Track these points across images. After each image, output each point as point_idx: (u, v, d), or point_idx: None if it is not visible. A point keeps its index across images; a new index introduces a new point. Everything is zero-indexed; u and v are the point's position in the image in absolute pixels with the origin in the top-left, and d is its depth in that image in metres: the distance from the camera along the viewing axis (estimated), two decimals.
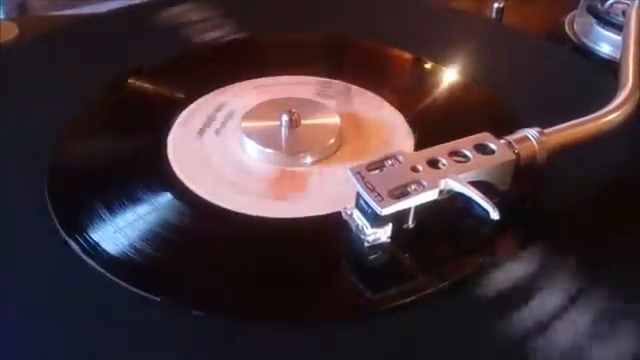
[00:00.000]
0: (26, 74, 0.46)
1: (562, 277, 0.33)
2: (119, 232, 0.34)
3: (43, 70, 0.46)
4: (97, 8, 0.60)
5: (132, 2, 0.57)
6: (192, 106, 0.43)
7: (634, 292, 0.32)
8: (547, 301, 0.31)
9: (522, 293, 0.32)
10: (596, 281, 0.32)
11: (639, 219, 0.36)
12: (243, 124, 0.40)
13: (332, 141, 0.39)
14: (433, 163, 0.33)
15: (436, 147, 0.34)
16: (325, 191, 0.37)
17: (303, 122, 0.40)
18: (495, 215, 0.31)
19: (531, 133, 0.35)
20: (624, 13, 0.51)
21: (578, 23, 0.57)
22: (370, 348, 0.29)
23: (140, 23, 0.53)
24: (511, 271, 0.33)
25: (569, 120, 0.36)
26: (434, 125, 0.42)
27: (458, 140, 0.34)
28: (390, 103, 0.44)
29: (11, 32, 0.53)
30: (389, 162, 0.33)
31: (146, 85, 0.46)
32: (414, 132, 0.41)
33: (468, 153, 0.34)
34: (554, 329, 0.30)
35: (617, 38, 0.50)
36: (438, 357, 0.29)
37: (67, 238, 0.33)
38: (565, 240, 0.35)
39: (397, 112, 0.43)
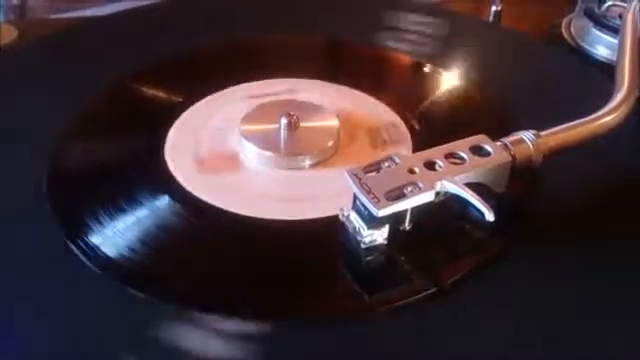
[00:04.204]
0: (25, 76, 0.46)
1: (560, 278, 0.33)
2: (117, 234, 0.34)
3: (42, 73, 0.47)
4: (95, 11, 0.60)
5: (130, 5, 0.57)
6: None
7: (633, 292, 0.32)
8: (544, 301, 0.32)
9: (518, 294, 0.32)
10: (594, 282, 0.33)
11: (637, 220, 0.36)
12: (242, 127, 0.40)
13: (330, 144, 0.39)
14: (430, 165, 0.33)
15: (433, 149, 0.34)
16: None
17: (302, 125, 0.40)
18: (490, 217, 0.31)
19: (527, 135, 0.35)
20: (620, 16, 0.51)
21: (575, 26, 0.57)
22: (366, 349, 0.29)
23: (138, 26, 0.53)
24: (507, 272, 0.33)
25: (565, 122, 0.37)
26: (432, 127, 0.42)
27: (454, 142, 0.35)
28: (388, 105, 0.44)
29: (10, 35, 0.54)
30: (386, 164, 0.33)
31: (145, 87, 0.46)
32: (412, 134, 0.41)
33: (464, 155, 0.34)
34: (551, 329, 0.30)
35: (613, 41, 0.51)
36: (434, 358, 0.30)
37: (66, 240, 0.33)
38: (562, 241, 0.35)
39: (395, 114, 0.43)
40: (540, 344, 0.30)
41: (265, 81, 0.46)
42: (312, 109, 0.42)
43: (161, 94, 0.45)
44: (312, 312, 0.31)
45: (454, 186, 0.32)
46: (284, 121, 0.39)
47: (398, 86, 0.48)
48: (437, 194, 0.32)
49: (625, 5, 0.50)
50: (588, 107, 0.38)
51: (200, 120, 0.42)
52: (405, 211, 0.32)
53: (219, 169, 0.39)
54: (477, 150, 0.34)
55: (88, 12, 0.61)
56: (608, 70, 0.44)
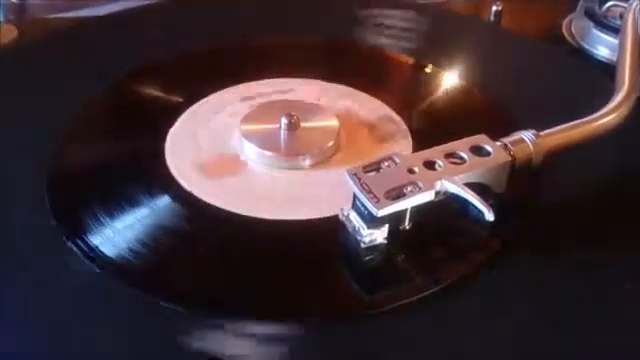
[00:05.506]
0: (25, 76, 0.46)
1: (559, 277, 0.33)
2: (117, 234, 0.34)
3: (42, 72, 0.47)
4: (95, 11, 0.60)
5: (129, 5, 0.57)
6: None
7: (633, 292, 0.32)
8: (544, 301, 0.32)
9: (518, 293, 0.32)
10: (593, 282, 0.33)
11: (637, 220, 0.36)
12: (242, 127, 0.40)
13: (331, 144, 0.39)
14: (429, 165, 0.33)
15: (432, 149, 0.34)
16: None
17: (302, 125, 0.40)
18: (490, 216, 0.31)
19: (527, 135, 0.35)
20: (621, 16, 0.51)
21: (576, 26, 0.57)
22: (366, 348, 0.29)
23: (138, 25, 0.53)
24: (507, 271, 0.33)
25: (566, 122, 0.37)
26: (432, 127, 0.42)
27: (454, 142, 0.35)
28: (389, 106, 0.44)
29: (10, 34, 0.54)
30: (385, 164, 0.33)
31: (145, 87, 0.46)
32: (412, 134, 0.41)
33: (464, 155, 0.34)
34: (551, 329, 0.30)
35: (614, 41, 0.51)
36: (433, 358, 0.30)
37: (66, 240, 0.33)
38: (561, 240, 0.35)
39: (395, 114, 0.43)
40: (540, 344, 0.30)
41: (265, 81, 0.46)
42: (312, 109, 0.42)
43: (161, 94, 0.45)
44: (312, 311, 0.31)
45: (454, 186, 0.32)
46: (284, 121, 0.39)
47: (398, 86, 0.48)
48: (437, 194, 0.32)
49: (625, 5, 0.50)
50: (589, 107, 0.38)
51: (200, 120, 0.42)
52: (405, 211, 0.32)
53: (219, 169, 0.38)
54: (477, 150, 0.34)
55: (88, 12, 0.60)
56: (609, 70, 0.44)
